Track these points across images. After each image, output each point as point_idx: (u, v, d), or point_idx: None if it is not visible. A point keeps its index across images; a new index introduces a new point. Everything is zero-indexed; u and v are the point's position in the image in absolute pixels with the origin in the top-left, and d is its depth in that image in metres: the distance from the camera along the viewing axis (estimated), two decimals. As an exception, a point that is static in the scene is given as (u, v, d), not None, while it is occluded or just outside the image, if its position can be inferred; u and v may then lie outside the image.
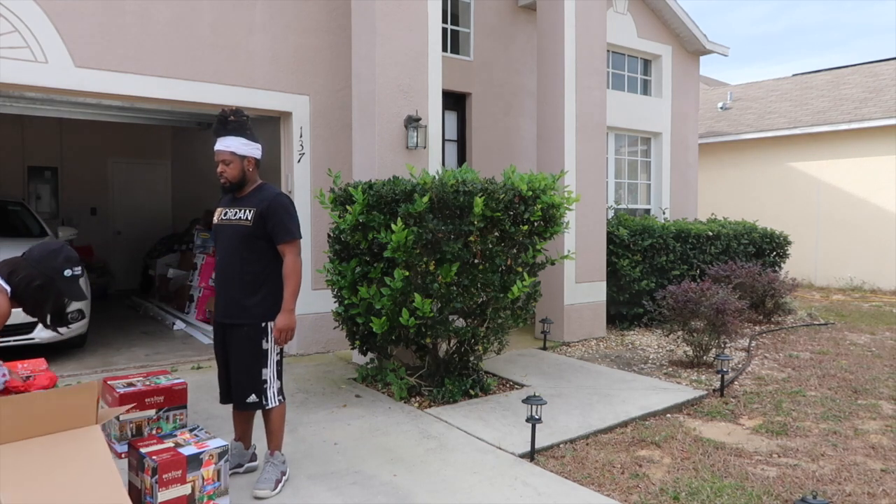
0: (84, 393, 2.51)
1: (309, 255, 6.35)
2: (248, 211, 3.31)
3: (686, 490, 3.43)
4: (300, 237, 3.37)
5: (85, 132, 10.52)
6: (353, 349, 5.42)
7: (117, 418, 3.62)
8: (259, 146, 3.42)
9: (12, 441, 2.34)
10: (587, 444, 4.08)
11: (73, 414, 2.47)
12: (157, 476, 2.82)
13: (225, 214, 3.38)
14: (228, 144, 3.30)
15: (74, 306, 5.78)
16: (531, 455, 3.83)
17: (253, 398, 3.30)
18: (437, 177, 4.74)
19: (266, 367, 3.31)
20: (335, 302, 5.24)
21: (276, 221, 3.28)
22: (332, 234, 5.24)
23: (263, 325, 3.29)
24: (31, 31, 4.94)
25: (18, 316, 3.44)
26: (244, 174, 3.34)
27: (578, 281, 7.21)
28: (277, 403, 3.36)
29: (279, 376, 3.39)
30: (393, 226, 4.44)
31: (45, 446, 2.39)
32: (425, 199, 4.45)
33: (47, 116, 7.61)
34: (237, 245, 3.30)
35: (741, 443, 4.18)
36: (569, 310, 7.11)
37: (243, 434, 3.53)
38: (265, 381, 3.31)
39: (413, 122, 5.70)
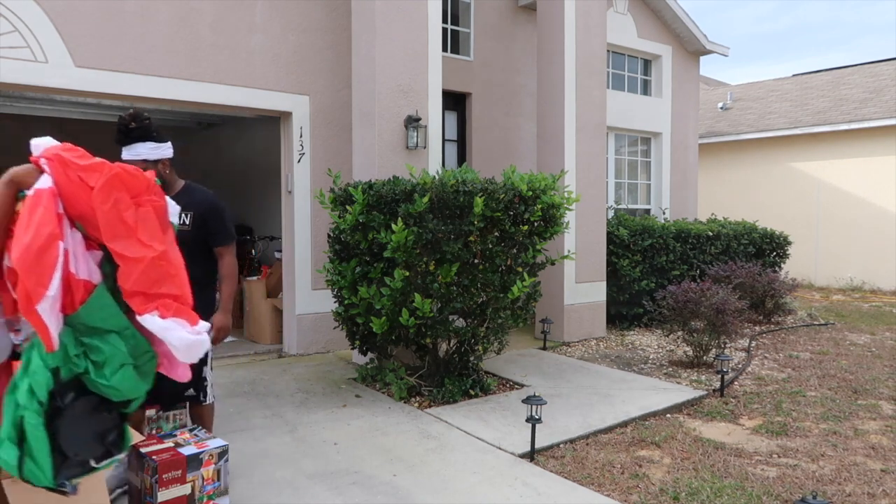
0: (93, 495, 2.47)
1: (309, 255, 6.35)
2: (185, 215, 3.21)
3: (686, 490, 3.43)
4: (236, 238, 3.44)
5: (85, 132, 10.50)
6: (353, 349, 5.42)
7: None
8: (169, 144, 3.24)
9: None
10: (587, 444, 4.08)
11: None
12: (156, 476, 2.82)
13: None
14: (138, 153, 3.12)
15: None
16: (531, 455, 3.83)
17: (191, 392, 3.36)
18: (437, 177, 4.74)
19: (206, 364, 3.37)
20: (335, 302, 5.24)
21: (217, 224, 3.29)
22: (332, 234, 5.24)
23: None
24: (31, 30, 4.94)
25: None
26: (162, 179, 3.13)
27: (578, 281, 7.21)
28: (213, 399, 3.48)
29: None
30: (393, 226, 4.44)
31: None
32: (425, 199, 4.45)
33: (47, 116, 7.61)
34: None
35: (741, 443, 4.18)
36: (569, 310, 7.11)
37: None
38: (205, 380, 3.38)
39: (413, 122, 5.70)
